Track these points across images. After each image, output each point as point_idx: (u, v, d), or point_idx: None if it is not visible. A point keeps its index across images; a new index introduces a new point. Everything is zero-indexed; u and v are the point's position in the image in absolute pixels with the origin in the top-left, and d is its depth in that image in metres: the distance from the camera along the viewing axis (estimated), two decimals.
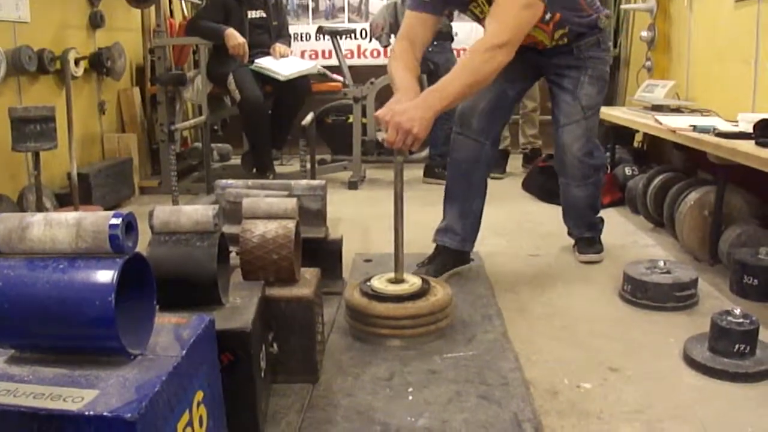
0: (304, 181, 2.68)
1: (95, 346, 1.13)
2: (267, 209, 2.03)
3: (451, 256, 2.83)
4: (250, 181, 2.73)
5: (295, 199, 2.07)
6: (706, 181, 3.31)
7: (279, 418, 1.78)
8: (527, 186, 4.70)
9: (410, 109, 2.18)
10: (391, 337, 2.22)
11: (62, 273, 1.10)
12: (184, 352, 1.20)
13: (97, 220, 1.11)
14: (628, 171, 4.29)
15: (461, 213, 2.82)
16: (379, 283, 2.31)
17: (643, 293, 2.56)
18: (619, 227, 3.77)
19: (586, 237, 3.10)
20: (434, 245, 2.86)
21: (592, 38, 2.72)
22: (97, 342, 1.12)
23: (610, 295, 2.65)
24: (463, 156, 2.79)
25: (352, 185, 4.89)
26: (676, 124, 3.26)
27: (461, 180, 2.82)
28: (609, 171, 4.38)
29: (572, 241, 3.20)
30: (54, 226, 1.12)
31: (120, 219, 1.12)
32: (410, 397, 1.89)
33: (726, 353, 2.04)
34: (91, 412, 0.99)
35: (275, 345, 1.89)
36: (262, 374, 1.72)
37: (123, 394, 1.04)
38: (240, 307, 1.67)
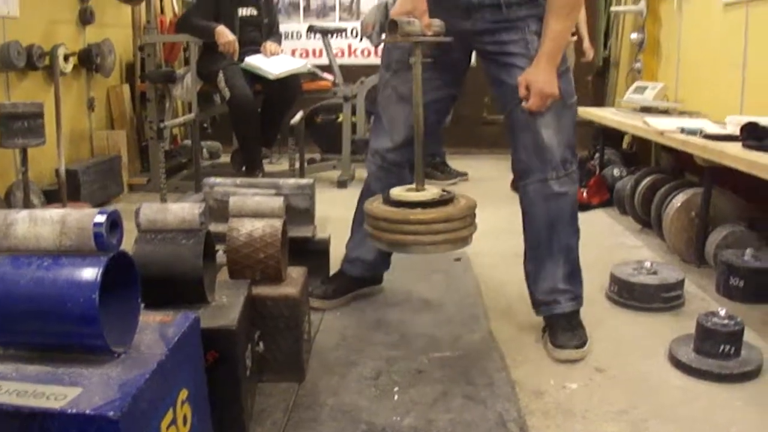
0: (292, 180, 2.68)
1: (79, 344, 1.13)
2: (254, 208, 2.03)
3: (358, 281, 2.64)
4: (238, 180, 2.73)
5: (282, 198, 2.07)
6: (693, 183, 3.33)
7: (264, 417, 1.79)
8: (516, 186, 4.70)
9: (541, 72, 2.07)
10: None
11: (46, 270, 1.10)
12: (168, 350, 1.20)
13: (81, 217, 1.11)
14: (616, 172, 4.30)
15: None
16: (406, 192, 2.14)
17: (629, 294, 2.57)
18: (607, 228, 3.79)
19: (566, 312, 2.26)
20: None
21: None
22: (81, 340, 1.12)
23: (597, 296, 2.65)
24: (378, 188, 2.37)
25: (342, 184, 4.89)
26: (664, 126, 3.27)
27: (380, 182, 2.46)
28: (598, 172, 4.40)
29: None
30: (38, 224, 1.12)
31: (104, 217, 1.11)
32: (396, 397, 1.89)
33: (711, 354, 2.05)
34: (74, 410, 0.99)
35: (261, 344, 1.89)
36: (248, 373, 1.72)
37: (106, 392, 1.04)
38: (226, 305, 1.67)
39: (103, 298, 1.10)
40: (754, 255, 2.65)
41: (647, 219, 3.58)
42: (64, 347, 1.14)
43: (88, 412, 0.99)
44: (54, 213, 1.13)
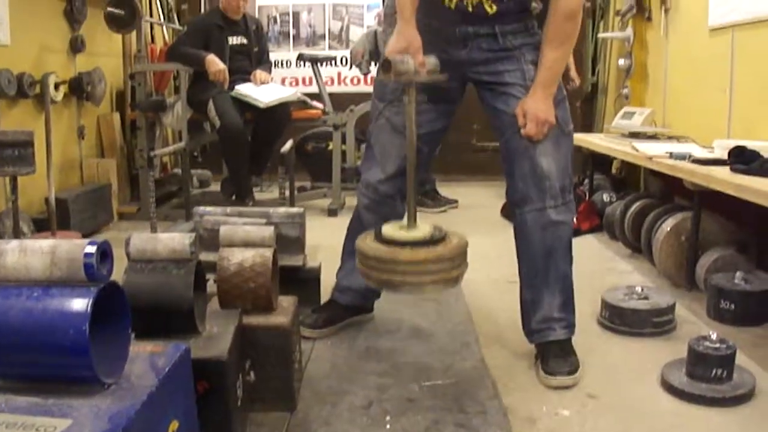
0: (282, 209, 2.68)
1: (69, 375, 1.12)
2: (244, 237, 2.03)
3: (349, 310, 2.62)
4: (228, 209, 2.72)
5: (272, 228, 2.07)
6: (682, 207, 3.34)
7: None
8: (506, 213, 4.72)
9: (537, 101, 2.12)
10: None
11: (36, 301, 1.10)
12: (158, 380, 1.19)
13: (71, 248, 1.11)
14: (606, 197, 4.32)
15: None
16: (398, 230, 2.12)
17: (620, 319, 2.57)
18: (598, 253, 3.80)
19: (560, 339, 2.26)
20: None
21: (519, 24, 2.19)
22: (71, 371, 1.11)
23: (588, 322, 2.65)
24: (370, 219, 2.43)
25: (332, 212, 4.89)
26: (653, 151, 3.30)
27: (371, 213, 2.47)
28: (587, 198, 4.41)
29: None
30: (29, 254, 1.11)
31: (95, 247, 1.11)
32: (388, 426, 1.88)
33: (703, 378, 2.05)
34: None
35: (252, 373, 1.88)
36: (239, 403, 1.71)
37: (96, 424, 1.03)
38: (216, 335, 1.66)
39: (93, 329, 1.09)
40: (744, 278, 2.66)
41: (637, 244, 3.59)
42: (54, 378, 1.14)
43: None
44: (44, 243, 1.13)
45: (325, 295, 2.67)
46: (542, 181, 2.17)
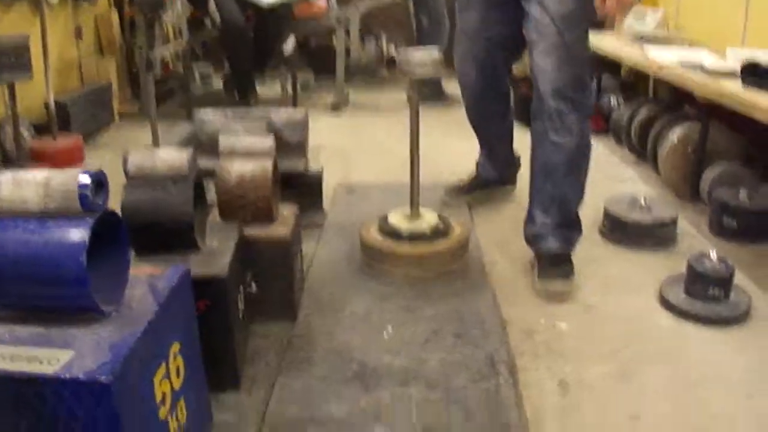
0: (284, 113, 2.62)
1: (69, 305, 1.13)
2: (244, 147, 2.02)
3: (491, 183, 2.98)
4: (229, 111, 2.67)
5: (272, 138, 2.05)
6: (690, 117, 3.28)
7: (258, 359, 1.81)
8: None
9: None
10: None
11: (32, 233, 1.09)
12: (158, 306, 1.20)
13: (66, 179, 1.09)
14: (613, 101, 4.23)
15: (482, 144, 2.92)
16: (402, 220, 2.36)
17: (622, 231, 2.57)
18: (602, 158, 3.75)
19: (553, 253, 2.26)
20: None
21: None
22: (70, 301, 1.12)
23: (590, 231, 2.63)
24: (475, 107, 2.74)
25: (335, 107, 4.84)
26: (664, 58, 3.21)
27: (472, 109, 2.78)
28: (595, 101, 4.33)
29: None
30: (23, 186, 1.10)
31: (89, 178, 1.10)
32: (387, 336, 1.91)
33: (701, 297, 2.06)
34: (67, 375, 1.00)
35: (254, 285, 1.89)
36: (240, 316, 1.73)
37: (98, 355, 1.04)
38: (217, 250, 1.67)
39: (91, 257, 1.09)
40: (748, 195, 2.62)
41: (643, 151, 3.54)
42: (55, 308, 1.14)
43: (80, 377, 1.00)
44: (38, 175, 1.11)
45: (328, 197, 2.68)
46: (542, 101, 2.17)
